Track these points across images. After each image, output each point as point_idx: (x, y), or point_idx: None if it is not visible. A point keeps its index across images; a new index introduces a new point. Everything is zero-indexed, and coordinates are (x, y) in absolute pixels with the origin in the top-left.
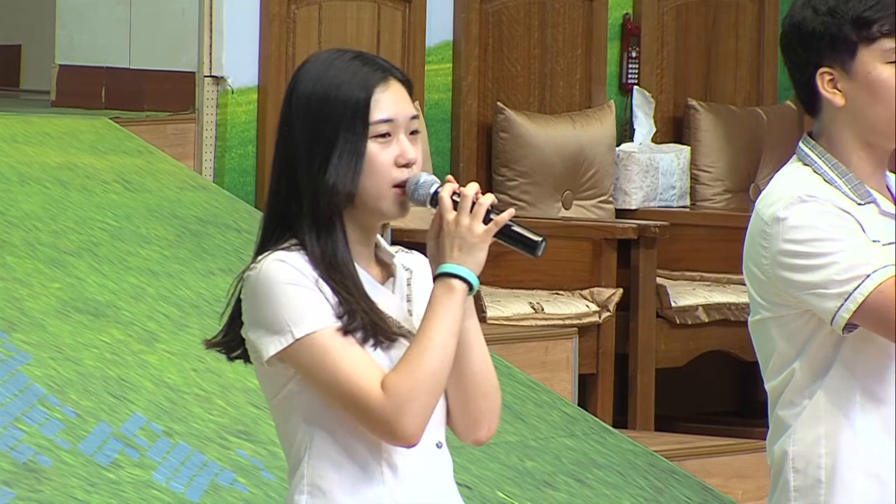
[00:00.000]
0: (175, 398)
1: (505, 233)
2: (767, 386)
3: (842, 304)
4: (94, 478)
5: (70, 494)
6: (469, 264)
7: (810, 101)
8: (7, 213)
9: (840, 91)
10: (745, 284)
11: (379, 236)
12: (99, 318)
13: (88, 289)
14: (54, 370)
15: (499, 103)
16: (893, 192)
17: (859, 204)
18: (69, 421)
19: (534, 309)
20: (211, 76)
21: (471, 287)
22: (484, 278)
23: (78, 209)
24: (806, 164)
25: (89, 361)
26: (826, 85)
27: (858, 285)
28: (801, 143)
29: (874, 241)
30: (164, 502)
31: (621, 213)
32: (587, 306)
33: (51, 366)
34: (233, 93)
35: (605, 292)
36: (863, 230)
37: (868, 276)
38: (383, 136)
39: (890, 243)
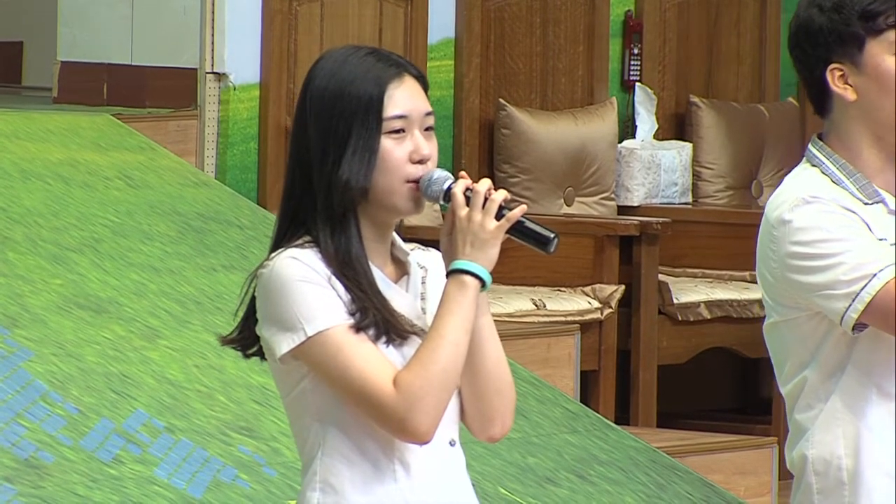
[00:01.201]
0: (177, 394)
1: (517, 229)
2: (783, 390)
3: (850, 305)
4: (96, 474)
5: (72, 490)
6: (481, 261)
7: (821, 99)
8: (9, 210)
9: (851, 86)
10: (747, 281)
11: (395, 234)
12: (101, 314)
13: (90, 285)
14: (56, 366)
15: (501, 100)
16: None
17: (867, 203)
18: (71, 417)
19: (536, 305)
20: (213, 73)
21: (483, 283)
22: None
23: (80, 205)
24: (814, 165)
25: (91, 358)
26: (837, 81)
27: (865, 285)
28: (810, 145)
29: (881, 239)
30: (166, 498)
31: (623, 210)
32: (589, 303)
33: (52, 362)
34: (234, 89)
35: (607, 289)
36: (869, 229)
37: (875, 274)
38: (397, 131)
39: None
